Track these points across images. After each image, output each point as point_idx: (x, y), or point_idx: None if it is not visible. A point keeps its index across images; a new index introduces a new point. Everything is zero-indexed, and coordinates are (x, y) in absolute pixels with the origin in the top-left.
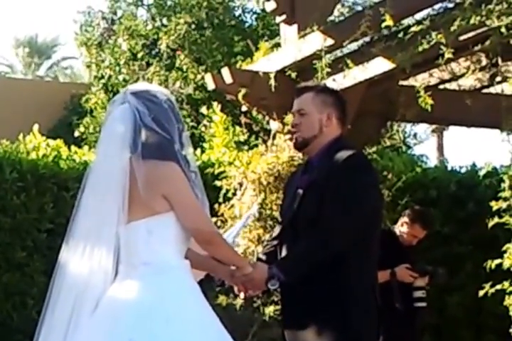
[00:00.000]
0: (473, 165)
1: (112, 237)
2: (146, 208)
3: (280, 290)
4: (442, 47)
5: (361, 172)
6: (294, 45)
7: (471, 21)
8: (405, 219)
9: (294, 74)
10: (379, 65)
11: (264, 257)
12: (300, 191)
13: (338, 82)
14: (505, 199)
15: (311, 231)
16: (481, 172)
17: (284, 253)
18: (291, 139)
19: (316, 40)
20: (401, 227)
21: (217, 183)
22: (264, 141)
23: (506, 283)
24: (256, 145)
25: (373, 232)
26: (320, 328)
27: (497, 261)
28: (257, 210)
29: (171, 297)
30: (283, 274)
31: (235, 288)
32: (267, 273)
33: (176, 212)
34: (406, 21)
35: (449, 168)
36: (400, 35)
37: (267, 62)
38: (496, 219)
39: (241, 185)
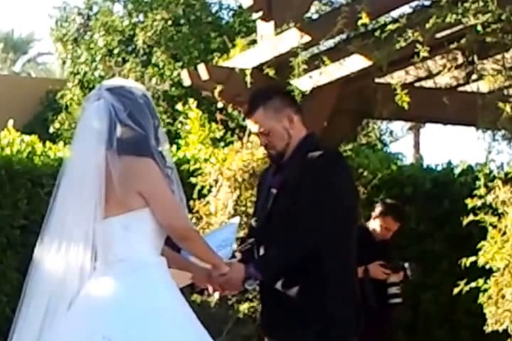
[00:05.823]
0: (449, 162)
1: (89, 234)
2: (122, 205)
3: (259, 290)
4: (418, 45)
5: (334, 170)
6: (271, 41)
7: (447, 19)
8: (377, 213)
9: (271, 72)
10: (355, 63)
11: (239, 255)
12: (274, 190)
13: (315, 79)
14: (480, 197)
15: (287, 231)
16: (457, 170)
17: (261, 252)
18: (268, 156)
19: (293, 37)
20: (373, 222)
21: (193, 180)
22: (240, 138)
23: (481, 281)
24: (232, 142)
25: (350, 230)
26: (298, 328)
27: (472, 259)
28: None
29: (148, 294)
30: (260, 274)
31: (210, 288)
32: (244, 273)
33: (151, 208)
34: (382, 19)
35: (425, 166)
36: (377, 32)
37: (243, 58)
38: (471, 217)
39: (216, 181)
